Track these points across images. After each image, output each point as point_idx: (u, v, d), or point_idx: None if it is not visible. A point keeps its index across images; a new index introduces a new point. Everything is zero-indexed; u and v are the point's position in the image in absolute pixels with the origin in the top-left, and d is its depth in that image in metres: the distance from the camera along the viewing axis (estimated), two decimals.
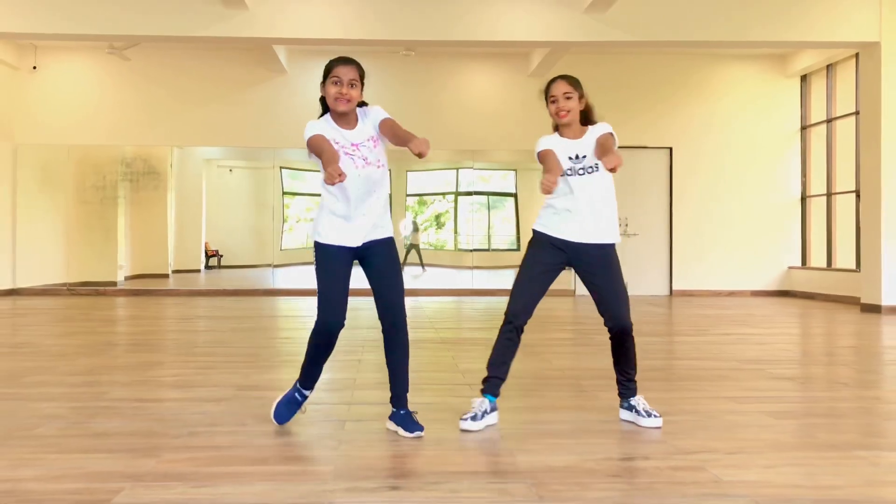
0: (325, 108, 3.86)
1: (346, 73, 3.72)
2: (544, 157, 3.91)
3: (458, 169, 20.27)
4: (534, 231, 4.04)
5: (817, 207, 13.42)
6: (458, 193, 21.18)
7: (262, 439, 3.67)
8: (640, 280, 13.49)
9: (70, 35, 10.34)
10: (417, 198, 28.00)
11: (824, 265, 13.06)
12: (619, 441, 3.65)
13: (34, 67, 13.10)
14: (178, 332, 8.19)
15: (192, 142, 14.92)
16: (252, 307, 10.70)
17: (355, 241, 3.73)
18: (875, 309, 10.49)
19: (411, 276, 18.42)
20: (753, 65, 13.61)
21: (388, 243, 3.83)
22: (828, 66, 12.96)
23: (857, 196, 11.75)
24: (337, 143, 3.71)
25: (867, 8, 10.37)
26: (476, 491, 2.93)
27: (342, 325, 3.76)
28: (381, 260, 3.79)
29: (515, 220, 25.61)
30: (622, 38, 10.28)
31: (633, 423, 3.98)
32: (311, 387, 3.96)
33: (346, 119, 3.78)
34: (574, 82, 4.05)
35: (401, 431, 3.76)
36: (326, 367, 5.91)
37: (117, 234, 14.80)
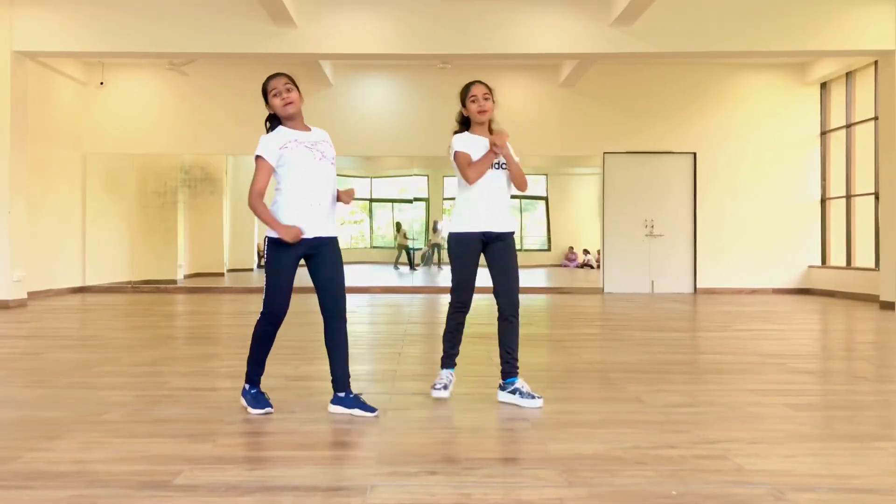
0: (273, 126, 4.00)
1: (278, 83, 3.91)
2: (463, 157, 4.17)
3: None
4: (457, 234, 4.22)
5: (837, 209, 13.19)
6: None
7: (309, 426, 3.69)
8: (665, 278, 13.37)
9: (134, 53, 10.53)
10: (454, 201, 28.05)
11: (843, 264, 12.83)
12: (645, 430, 3.62)
13: (101, 83, 13.30)
14: (233, 326, 8.27)
15: (245, 150, 15.03)
16: (299, 303, 10.72)
17: (309, 233, 3.84)
18: (893, 306, 10.28)
19: (429, 275, 18.42)
20: (774, 73, 13.43)
21: (334, 242, 3.97)
22: (847, 74, 12.73)
23: (876, 198, 11.54)
24: (297, 140, 3.87)
25: (885, 18, 10.18)
26: (510, 476, 2.93)
27: (285, 313, 3.92)
28: (329, 257, 3.92)
29: (546, 221, 25.52)
30: (647, 49, 10.23)
31: (514, 405, 4.11)
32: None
33: (297, 124, 3.96)
34: (490, 88, 4.28)
35: (357, 412, 3.85)
36: (368, 358, 5.97)
37: (177, 235, 15.01)
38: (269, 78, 3.96)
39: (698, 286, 13.35)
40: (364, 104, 13.49)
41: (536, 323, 8.32)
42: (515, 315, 4.19)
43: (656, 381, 4.93)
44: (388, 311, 10.04)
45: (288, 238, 3.74)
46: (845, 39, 10.22)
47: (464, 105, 4.29)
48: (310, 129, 3.99)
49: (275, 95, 3.91)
